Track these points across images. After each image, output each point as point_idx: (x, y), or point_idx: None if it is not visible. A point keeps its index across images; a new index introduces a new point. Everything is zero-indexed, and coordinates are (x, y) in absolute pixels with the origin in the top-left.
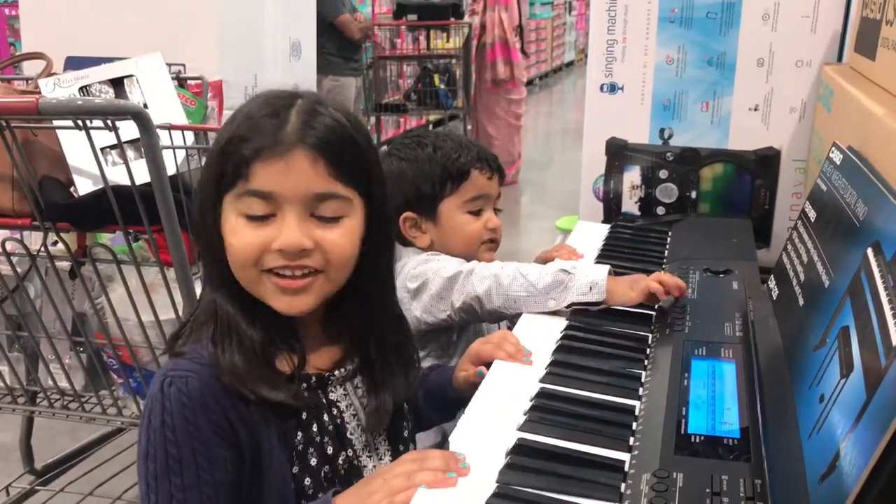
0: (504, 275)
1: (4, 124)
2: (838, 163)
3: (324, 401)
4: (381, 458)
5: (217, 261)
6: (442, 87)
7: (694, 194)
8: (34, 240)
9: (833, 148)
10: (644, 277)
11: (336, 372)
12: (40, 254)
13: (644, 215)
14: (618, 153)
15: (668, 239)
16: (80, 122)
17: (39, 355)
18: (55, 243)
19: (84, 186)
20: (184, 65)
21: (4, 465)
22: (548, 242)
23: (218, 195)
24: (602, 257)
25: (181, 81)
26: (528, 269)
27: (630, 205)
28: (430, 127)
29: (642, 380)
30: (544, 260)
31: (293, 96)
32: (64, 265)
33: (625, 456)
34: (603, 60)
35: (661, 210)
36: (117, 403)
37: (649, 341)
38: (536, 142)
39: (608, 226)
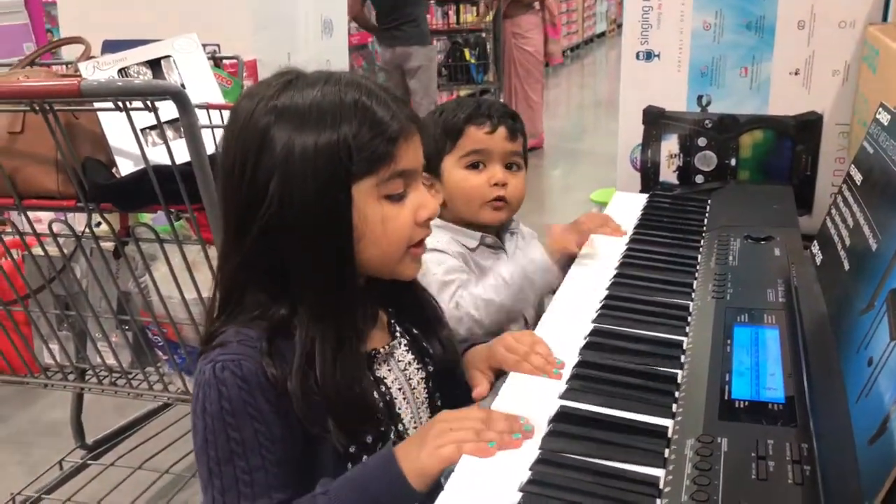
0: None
1: (48, 108)
2: (886, 123)
3: (372, 378)
4: None
5: (330, 255)
6: (473, 61)
7: (733, 162)
8: (79, 221)
9: (880, 109)
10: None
11: (381, 349)
12: (85, 234)
13: (682, 184)
14: (655, 122)
15: (708, 207)
16: (120, 104)
17: (87, 333)
18: (99, 224)
19: (125, 167)
20: (218, 45)
21: (57, 441)
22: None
23: (344, 192)
24: (640, 227)
25: (217, 61)
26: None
27: (668, 174)
28: None
29: (684, 347)
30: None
31: (356, 77)
32: (108, 245)
33: (668, 422)
34: (638, 28)
35: (699, 179)
36: (163, 380)
37: (690, 309)
38: (569, 114)
39: (646, 196)
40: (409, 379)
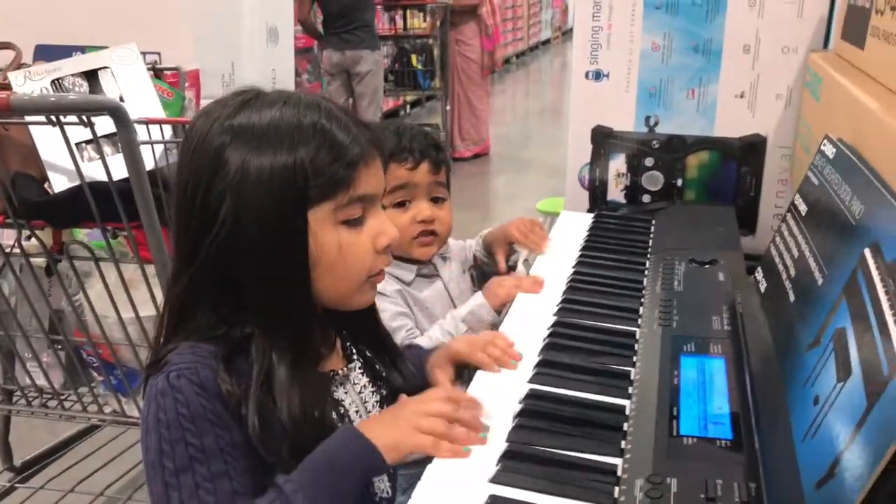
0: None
1: None
2: (831, 157)
3: (330, 399)
4: None
5: (284, 282)
6: (419, 67)
7: (680, 182)
8: (7, 236)
9: (825, 141)
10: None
11: (339, 371)
12: (14, 251)
13: (630, 203)
14: (603, 141)
15: (652, 228)
16: (53, 118)
17: (15, 354)
18: (29, 237)
19: (59, 182)
20: (159, 53)
21: None
22: None
23: (300, 217)
24: (586, 249)
25: (157, 72)
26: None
27: (616, 193)
28: (408, 108)
29: (632, 377)
30: (490, 240)
31: (317, 99)
32: (39, 261)
33: (617, 461)
34: (588, 47)
35: (646, 198)
36: (97, 401)
37: (637, 336)
38: (515, 121)
39: (591, 216)
40: (365, 402)
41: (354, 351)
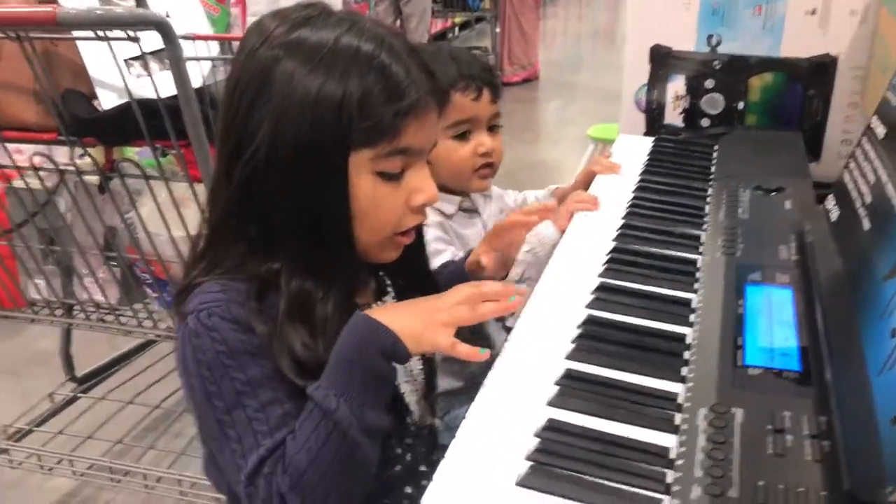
0: None
1: (24, 35)
2: None
3: None
4: (415, 379)
5: (313, 221)
6: None
7: (741, 105)
8: (61, 154)
9: None
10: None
11: (373, 305)
12: (68, 168)
13: (688, 127)
14: (662, 61)
15: (715, 154)
16: (100, 34)
17: (73, 269)
18: (82, 156)
19: (107, 100)
20: None
21: (47, 371)
22: (579, 152)
23: (339, 155)
24: (646, 174)
25: None
26: None
27: (674, 116)
28: (456, 31)
29: (693, 305)
30: (586, 177)
31: (384, 31)
32: (93, 179)
33: (678, 387)
34: None
35: (705, 122)
36: (152, 317)
37: (698, 264)
38: (566, 45)
39: (651, 139)
40: None
41: (389, 283)
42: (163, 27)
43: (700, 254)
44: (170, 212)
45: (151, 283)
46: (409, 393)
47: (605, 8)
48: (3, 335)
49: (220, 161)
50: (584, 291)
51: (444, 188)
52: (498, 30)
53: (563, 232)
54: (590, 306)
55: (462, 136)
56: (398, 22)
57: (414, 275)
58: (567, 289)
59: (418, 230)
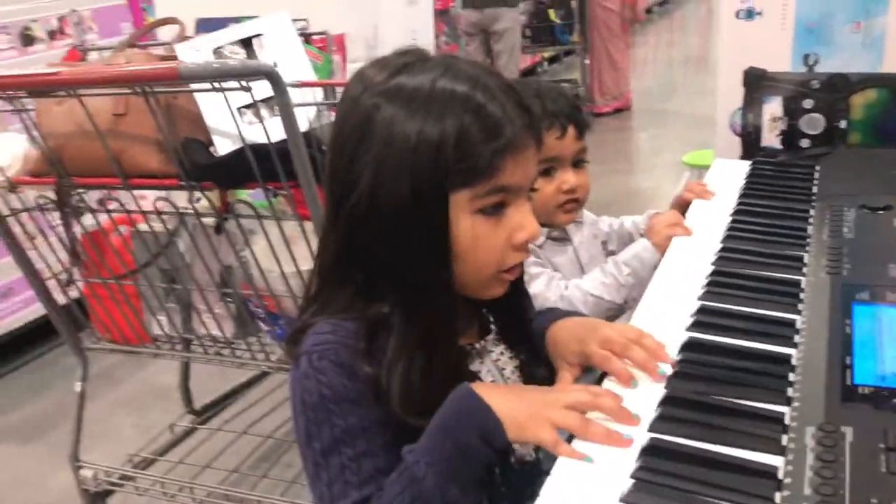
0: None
1: (148, 89)
2: None
3: (466, 373)
4: None
5: (419, 261)
6: (557, 21)
7: (843, 124)
8: (181, 198)
9: None
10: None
11: (477, 345)
12: (187, 211)
13: (787, 149)
14: (756, 84)
15: (816, 175)
16: (216, 85)
17: (192, 306)
18: (199, 199)
19: (223, 146)
20: (307, 20)
21: (167, 404)
22: (674, 179)
23: (441, 197)
24: (745, 196)
25: (307, 38)
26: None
27: (771, 139)
28: (545, 65)
29: (797, 326)
30: (680, 204)
31: (479, 71)
32: (209, 221)
33: (784, 409)
34: None
35: (805, 143)
36: (265, 349)
37: (802, 285)
38: (657, 73)
39: (748, 163)
40: (503, 369)
41: (492, 321)
42: (272, 76)
43: (803, 274)
44: (281, 249)
45: (264, 318)
46: None
47: (696, 32)
48: (128, 371)
49: (328, 208)
50: (684, 314)
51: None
52: (587, 61)
53: (662, 252)
54: (690, 329)
55: (546, 173)
56: (487, 61)
57: (514, 313)
58: (667, 312)
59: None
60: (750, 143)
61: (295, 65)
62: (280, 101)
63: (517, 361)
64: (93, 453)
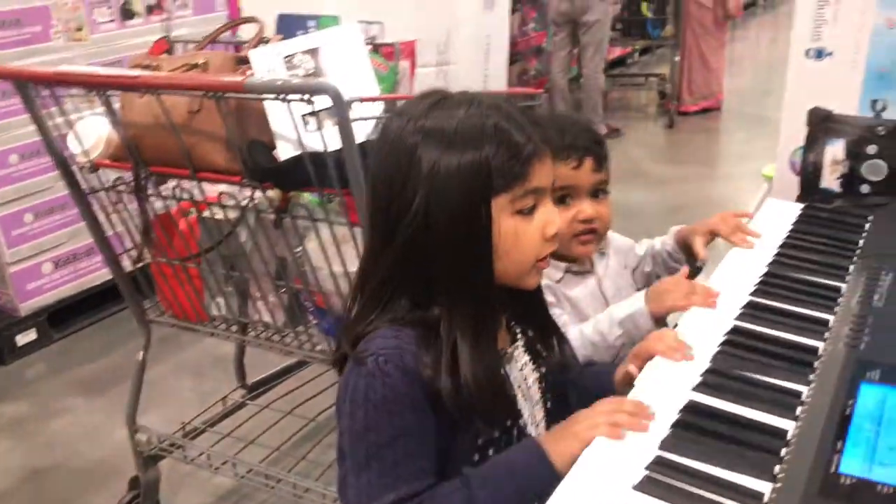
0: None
1: (220, 94)
2: None
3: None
4: (538, 426)
5: (471, 264)
6: (649, 15)
7: None
8: (246, 192)
9: None
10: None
11: (507, 349)
12: (248, 207)
13: (846, 193)
14: (821, 124)
15: (867, 225)
16: (281, 96)
17: (248, 293)
18: (258, 198)
19: (285, 151)
20: (381, 23)
21: (224, 375)
22: (755, 191)
23: (485, 207)
24: (786, 247)
25: (375, 47)
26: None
27: (830, 181)
28: (636, 55)
29: (803, 398)
30: (709, 232)
31: (494, 103)
32: (270, 215)
33: (766, 486)
34: (811, 23)
35: (865, 189)
36: (312, 340)
37: (819, 352)
38: (755, 72)
39: (800, 206)
40: (526, 378)
41: (518, 330)
42: (333, 94)
43: (824, 340)
44: (331, 250)
45: (313, 311)
46: None
47: None
48: (193, 338)
49: (378, 228)
50: (694, 373)
51: (561, 255)
52: (677, 58)
53: (656, 320)
54: (696, 389)
55: (562, 201)
56: (574, 51)
57: (538, 320)
58: (676, 368)
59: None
60: (808, 184)
61: (359, 77)
62: (339, 117)
63: (538, 374)
64: (151, 413)
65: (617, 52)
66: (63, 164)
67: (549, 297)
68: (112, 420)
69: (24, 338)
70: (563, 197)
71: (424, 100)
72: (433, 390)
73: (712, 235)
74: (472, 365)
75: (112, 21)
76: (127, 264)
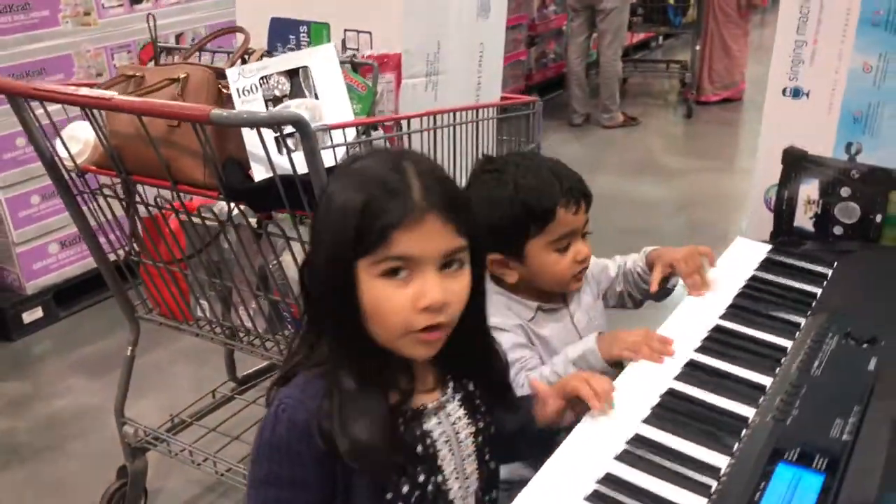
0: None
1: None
2: None
3: (418, 433)
4: (467, 478)
5: (340, 320)
6: (671, 2)
7: (879, 218)
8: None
9: None
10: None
11: (430, 404)
12: (227, 222)
13: (818, 233)
14: (795, 164)
15: (829, 275)
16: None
17: (229, 300)
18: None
19: (258, 172)
20: (370, 33)
21: (221, 363)
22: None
23: (353, 257)
24: (741, 296)
25: (355, 66)
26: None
27: (804, 220)
28: (660, 39)
29: (721, 473)
30: (651, 261)
31: (399, 158)
32: (253, 221)
33: None
34: (788, 62)
35: (838, 230)
36: (291, 346)
37: (749, 421)
38: None
39: (767, 248)
40: (458, 433)
41: (454, 383)
42: (300, 125)
43: (757, 407)
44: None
45: (290, 321)
46: (458, 495)
47: None
48: None
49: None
50: (619, 440)
51: (539, 292)
52: (698, 47)
53: (608, 360)
54: (618, 459)
55: (564, 249)
56: (593, 37)
57: (490, 377)
58: (601, 435)
59: (482, 331)
60: (782, 222)
61: (334, 99)
62: (306, 146)
63: (473, 429)
64: (150, 396)
65: (641, 35)
66: (52, 166)
67: (520, 338)
68: (111, 402)
69: (31, 315)
70: (566, 244)
71: (348, 159)
72: (332, 444)
73: (672, 269)
74: (359, 423)
75: (121, 6)
76: (120, 254)
